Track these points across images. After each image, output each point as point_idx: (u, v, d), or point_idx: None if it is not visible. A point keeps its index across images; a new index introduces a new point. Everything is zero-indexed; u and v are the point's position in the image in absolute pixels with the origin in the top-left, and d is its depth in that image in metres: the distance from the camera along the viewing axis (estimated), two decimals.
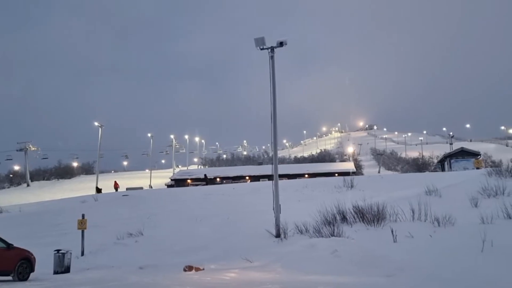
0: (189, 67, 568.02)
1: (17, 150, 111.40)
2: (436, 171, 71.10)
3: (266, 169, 56.46)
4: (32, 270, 16.76)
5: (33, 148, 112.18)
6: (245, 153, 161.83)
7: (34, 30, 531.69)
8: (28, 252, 16.89)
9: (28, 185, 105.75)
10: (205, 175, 69.22)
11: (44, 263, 17.89)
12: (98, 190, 59.19)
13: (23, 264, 16.29)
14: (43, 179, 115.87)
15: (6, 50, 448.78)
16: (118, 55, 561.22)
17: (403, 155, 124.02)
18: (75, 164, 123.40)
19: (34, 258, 16.96)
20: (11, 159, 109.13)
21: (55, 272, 18.14)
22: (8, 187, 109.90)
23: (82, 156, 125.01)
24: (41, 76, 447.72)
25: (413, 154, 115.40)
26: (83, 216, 22.18)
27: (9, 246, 16.15)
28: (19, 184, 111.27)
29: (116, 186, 60.25)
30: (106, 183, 74.09)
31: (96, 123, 69.17)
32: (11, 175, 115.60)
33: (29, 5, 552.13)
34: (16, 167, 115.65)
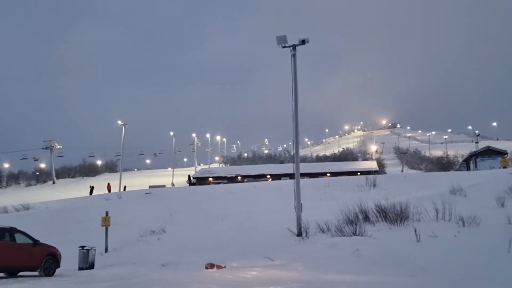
0: (211, 70, 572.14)
1: (43, 148, 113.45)
2: (461, 170, 69.99)
3: (288, 168, 56.19)
4: (58, 266, 17.05)
5: (58, 146, 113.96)
6: (266, 151, 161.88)
7: (61, 38, 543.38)
8: (54, 248, 17.18)
9: (53, 183, 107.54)
10: (189, 176, 71.10)
11: (69, 259, 18.17)
12: (91, 189, 60.13)
13: (49, 260, 16.58)
14: (68, 177, 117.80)
15: (37, 58, 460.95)
16: (141, 61, 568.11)
17: (427, 154, 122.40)
18: (99, 162, 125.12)
19: (60, 254, 17.24)
20: (27, 158, 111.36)
21: (80, 268, 18.39)
22: (35, 184, 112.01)
23: (107, 155, 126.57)
24: (69, 81, 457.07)
25: (437, 153, 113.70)
26: (106, 213, 22.46)
27: (35, 242, 16.45)
28: (45, 181, 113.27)
29: (109, 188, 60.74)
30: (129, 181, 75.02)
31: (119, 122, 69.76)
32: (38, 173, 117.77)
33: (56, 15, 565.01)
34: (42, 165, 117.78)
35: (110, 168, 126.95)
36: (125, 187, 66.14)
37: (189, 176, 71.99)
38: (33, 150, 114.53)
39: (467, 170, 63.26)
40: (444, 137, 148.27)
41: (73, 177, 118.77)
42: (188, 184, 69.33)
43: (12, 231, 16.13)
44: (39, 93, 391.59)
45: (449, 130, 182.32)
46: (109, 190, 58.98)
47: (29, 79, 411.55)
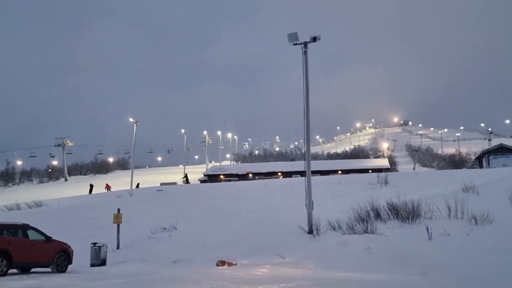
0: (222, 70, 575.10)
1: (55, 146, 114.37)
2: (474, 168, 69.43)
3: (299, 165, 56.14)
4: (70, 262, 17.19)
5: (70, 144, 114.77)
6: (277, 149, 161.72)
7: (76, 38, 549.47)
8: (66, 244, 17.32)
9: (66, 180, 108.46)
10: (185, 174, 70.01)
11: (81, 256, 18.30)
12: (91, 188, 60.16)
13: (61, 256, 16.72)
14: (80, 174, 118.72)
15: (51, 57, 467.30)
16: (153, 60, 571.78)
17: (439, 152, 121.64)
18: (110, 160, 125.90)
19: (72, 250, 17.38)
20: (35, 156, 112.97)
21: (92, 265, 18.52)
22: (47, 182, 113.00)
23: (120, 152, 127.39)
24: (83, 80, 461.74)
25: (450, 150, 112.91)
26: (118, 210, 22.56)
27: (48, 239, 16.59)
28: (57, 178, 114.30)
29: (108, 187, 60.58)
30: (140, 178, 75.32)
31: (131, 119, 70.15)
32: (50, 170, 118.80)
33: (70, 15, 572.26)
34: (55, 162, 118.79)
35: (122, 165, 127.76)
36: (138, 184, 66.34)
37: (185, 175, 70.28)
38: (45, 147, 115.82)
39: (480, 168, 62.72)
40: (457, 134, 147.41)
41: (85, 174, 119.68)
42: (184, 183, 67.35)
43: (25, 227, 16.28)
44: (54, 92, 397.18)
45: (462, 128, 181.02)
46: (108, 190, 58.61)
47: (44, 78, 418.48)
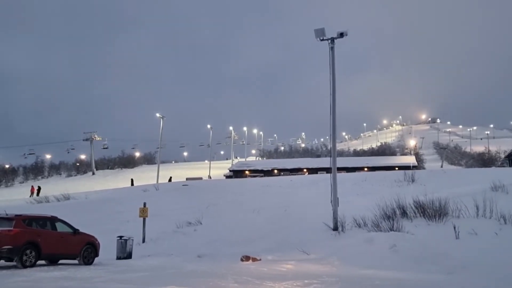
0: (246, 77, 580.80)
1: (83, 140, 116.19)
2: (503, 166, 68.03)
3: (324, 162, 56.00)
4: (97, 255, 17.43)
5: (98, 138, 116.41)
6: (303, 145, 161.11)
7: (111, 47, 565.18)
8: (93, 237, 17.57)
9: (93, 174, 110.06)
10: (131, 180, 65.97)
11: (107, 249, 18.55)
12: (38, 190, 57.91)
13: (88, 249, 16.98)
14: (107, 168, 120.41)
15: (84, 62, 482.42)
16: (181, 68, 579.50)
17: (468, 150, 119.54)
18: (137, 154, 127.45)
19: (99, 243, 17.63)
20: (34, 153, 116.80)
21: (118, 258, 18.75)
22: (75, 175, 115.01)
23: (145, 147, 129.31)
24: (117, 84, 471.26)
25: (479, 148, 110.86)
26: (144, 204, 22.78)
27: (75, 231, 16.86)
28: (85, 172, 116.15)
29: (32, 191, 59.59)
30: (166, 173, 76.05)
31: (157, 114, 70.76)
32: (78, 164, 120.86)
33: (106, 27, 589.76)
34: (82, 156, 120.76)
35: (148, 160, 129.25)
36: (170, 178, 66.96)
37: (131, 180, 65.59)
38: (73, 141, 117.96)
39: (510, 166, 61.50)
40: (486, 132, 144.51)
41: (112, 168, 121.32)
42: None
43: (53, 220, 16.57)
44: (89, 94, 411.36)
45: (491, 126, 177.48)
46: (32, 193, 57.12)
47: (81, 81, 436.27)
